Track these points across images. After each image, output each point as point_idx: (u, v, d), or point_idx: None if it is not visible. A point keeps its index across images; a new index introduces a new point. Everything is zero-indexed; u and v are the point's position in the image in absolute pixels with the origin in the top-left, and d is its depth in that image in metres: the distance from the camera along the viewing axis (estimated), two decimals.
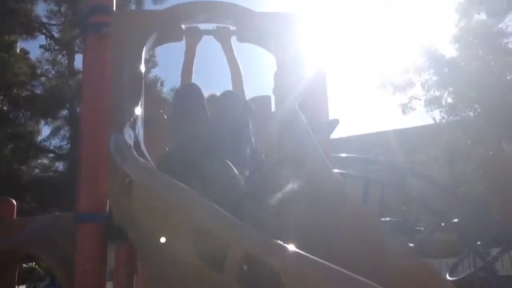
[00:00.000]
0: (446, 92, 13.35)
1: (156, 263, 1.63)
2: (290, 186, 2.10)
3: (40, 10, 14.49)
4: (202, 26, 3.29)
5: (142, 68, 2.77)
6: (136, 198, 1.62)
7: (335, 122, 3.18)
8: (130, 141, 1.90)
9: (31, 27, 14.11)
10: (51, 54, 14.38)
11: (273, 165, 2.43)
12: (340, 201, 2.03)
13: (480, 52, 12.47)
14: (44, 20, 14.41)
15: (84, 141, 2.90)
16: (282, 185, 2.14)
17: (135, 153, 1.74)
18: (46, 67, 14.46)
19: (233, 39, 3.31)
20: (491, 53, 12.30)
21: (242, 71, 3.32)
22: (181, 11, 3.04)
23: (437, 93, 13.42)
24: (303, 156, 2.24)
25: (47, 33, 14.53)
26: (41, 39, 14.60)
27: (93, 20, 3.05)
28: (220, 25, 3.27)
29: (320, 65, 3.27)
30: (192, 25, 3.21)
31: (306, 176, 2.14)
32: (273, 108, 4.36)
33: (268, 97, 4.49)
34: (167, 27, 3.03)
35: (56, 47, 14.47)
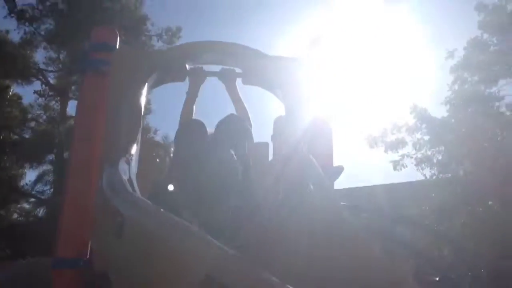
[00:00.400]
0: (436, 151, 13.41)
1: None
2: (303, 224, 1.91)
3: (39, 56, 14.62)
4: (207, 67, 3.19)
5: (142, 106, 2.64)
6: (129, 239, 1.41)
7: (340, 169, 3.04)
8: (125, 177, 1.71)
9: (27, 73, 14.12)
10: (45, 99, 14.32)
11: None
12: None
13: (471, 113, 12.65)
14: (42, 66, 14.50)
15: (71, 181, 2.72)
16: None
17: (130, 188, 1.55)
18: (38, 112, 14.35)
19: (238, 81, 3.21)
20: (483, 115, 12.48)
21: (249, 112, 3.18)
22: (186, 51, 2.95)
23: (429, 152, 13.47)
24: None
25: (43, 79, 14.53)
26: (37, 85, 14.62)
27: (93, 57, 2.98)
28: (225, 66, 3.18)
29: (326, 111, 3.17)
30: (196, 65, 3.11)
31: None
32: (270, 156, 4.23)
33: (266, 144, 4.37)
34: (171, 66, 2.92)
35: (50, 93, 14.42)
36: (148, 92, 2.93)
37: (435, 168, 13.45)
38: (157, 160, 3.57)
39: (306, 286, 1.02)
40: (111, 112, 2.68)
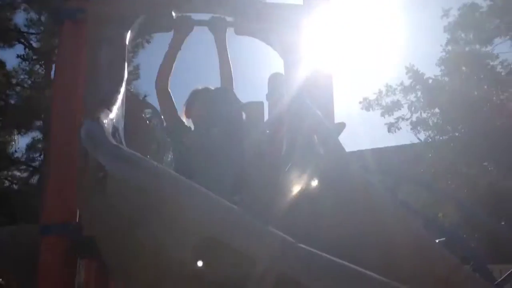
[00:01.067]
0: (432, 113, 13.28)
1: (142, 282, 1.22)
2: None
3: (19, 19, 14.04)
4: (194, 16, 2.90)
5: (125, 55, 2.39)
6: (114, 197, 1.20)
7: (341, 126, 2.84)
8: (108, 129, 1.48)
9: (9, 36, 13.60)
10: (29, 64, 13.83)
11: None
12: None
13: (465, 72, 12.45)
14: (23, 29, 13.94)
15: (53, 140, 2.56)
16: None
17: (113, 140, 1.32)
18: (22, 77, 13.87)
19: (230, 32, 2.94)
20: (477, 74, 12.29)
21: (232, 69, 2.93)
22: None
23: (424, 115, 13.35)
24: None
25: (25, 43, 13.99)
26: (19, 48, 14.10)
27: (69, 5, 2.73)
28: (215, 15, 2.89)
29: (327, 65, 2.94)
30: (183, 13, 2.82)
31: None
32: (266, 116, 4.02)
33: (261, 103, 4.14)
34: (155, 13, 2.65)
35: (34, 57, 13.91)
36: (133, 42, 2.68)
37: (430, 131, 13.36)
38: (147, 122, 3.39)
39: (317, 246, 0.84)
40: (91, 64, 2.47)
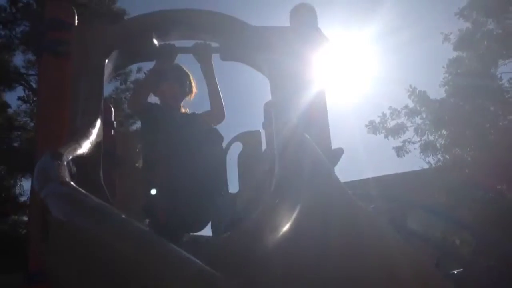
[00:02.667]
0: (439, 135, 13.04)
1: None
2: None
3: (18, 60, 14.18)
4: (178, 43, 2.77)
5: (101, 87, 2.25)
6: (53, 242, 1.02)
7: (339, 152, 2.65)
8: (66, 165, 1.31)
9: (9, 78, 13.72)
10: (29, 106, 13.87)
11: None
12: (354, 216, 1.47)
13: (471, 92, 12.25)
14: (22, 70, 14.06)
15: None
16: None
17: (66, 176, 1.15)
18: (24, 119, 13.91)
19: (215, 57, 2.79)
20: (482, 94, 12.10)
21: (222, 95, 2.76)
22: (152, 22, 2.52)
23: (431, 137, 13.10)
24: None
25: (25, 84, 14.08)
26: (20, 90, 14.18)
27: (50, 37, 2.62)
28: (199, 41, 2.74)
29: (319, 86, 2.77)
30: (166, 42, 2.68)
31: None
32: (263, 145, 3.85)
33: (258, 132, 3.99)
34: (136, 41, 2.51)
35: (35, 98, 13.98)
36: (114, 74, 2.55)
37: (439, 155, 13.07)
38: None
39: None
40: (72, 99, 2.34)
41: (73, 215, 0.97)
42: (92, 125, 1.91)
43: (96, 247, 0.91)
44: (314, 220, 1.42)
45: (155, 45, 2.60)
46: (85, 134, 1.78)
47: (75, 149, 1.57)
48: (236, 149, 3.89)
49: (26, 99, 13.94)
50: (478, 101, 12.25)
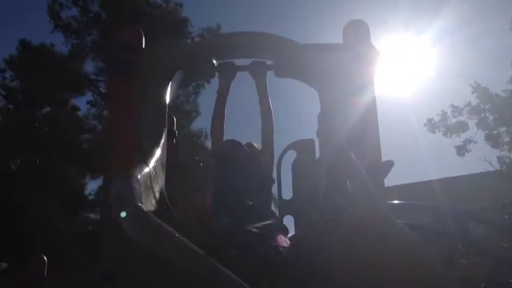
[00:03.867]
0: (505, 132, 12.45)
1: None
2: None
3: (89, 67, 15.09)
4: (237, 61, 2.98)
5: (165, 107, 2.48)
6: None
7: (389, 164, 2.73)
8: (139, 186, 1.53)
9: (80, 85, 14.58)
10: (98, 109, 14.72)
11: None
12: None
13: None
14: (92, 77, 14.92)
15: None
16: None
17: (139, 199, 1.36)
18: (93, 122, 14.77)
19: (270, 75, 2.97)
20: None
21: (273, 114, 2.96)
22: (211, 44, 2.75)
23: (494, 132, 12.54)
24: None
25: (94, 90, 14.95)
26: (89, 96, 15.08)
27: (120, 59, 2.89)
28: (255, 59, 2.95)
29: (371, 102, 2.86)
30: (225, 60, 2.91)
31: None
32: (317, 153, 3.96)
33: (312, 141, 4.10)
34: (197, 61, 2.74)
35: (102, 103, 14.79)
36: (176, 91, 2.77)
37: (506, 149, 12.43)
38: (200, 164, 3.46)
39: None
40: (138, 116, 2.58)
41: (144, 236, 1.18)
42: (158, 144, 2.14)
43: (158, 264, 1.10)
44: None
45: (214, 64, 2.82)
46: (152, 154, 2.00)
47: (143, 170, 1.78)
48: (291, 157, 4.02)
49: (94, 103, 14.75)
50: None
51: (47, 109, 14.79)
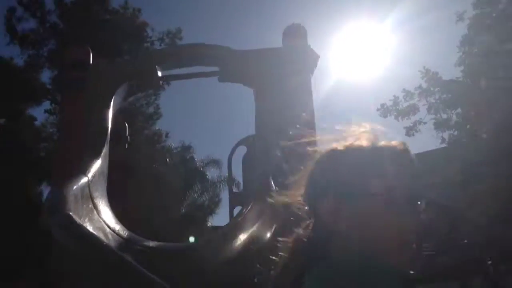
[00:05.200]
0: (454, 114, 13.00)
1: None
2: None
3: (45, 77, 14.93)
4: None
5: (108, 120, 2.66)
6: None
7: None
8: (74, 194, 1.70)
9: (37, 95, 14.33)
10: (56, 117, 14.45)
11: None
12: None
13: (488, 72, 12.10)
14: (49, 86, 14.69)
15: None
16: None
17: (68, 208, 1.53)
18: (51, 130, 14.53)
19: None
20: (500, 73, 11.91)
21: None
22: (154, 58, 2.92)
23: (444, 116, 13.09)
24: None
25: (51, 98, 14.69)
26: (46, 105, 14.87)
27: (69, 76, 3.03)
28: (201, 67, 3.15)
29: (307, 101, 3.11)
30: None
31: None
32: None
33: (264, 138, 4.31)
34: (141, 74, 2.91)
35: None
36: (122, 103, 2.92)
37: (454, 130, 13.03)
38: None
39: None
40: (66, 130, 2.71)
41: (69, 241, 1.39)
42: (98, 155, 2.31)
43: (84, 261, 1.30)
44: None
45: (158, 74, 3.00)
46: (91, 164, 2.17)
47: (81, 180, 1.95)
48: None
49: (52, 111, 14.56)
50: (496, 77, 12.12)
51: (1, 120, 14.49)
